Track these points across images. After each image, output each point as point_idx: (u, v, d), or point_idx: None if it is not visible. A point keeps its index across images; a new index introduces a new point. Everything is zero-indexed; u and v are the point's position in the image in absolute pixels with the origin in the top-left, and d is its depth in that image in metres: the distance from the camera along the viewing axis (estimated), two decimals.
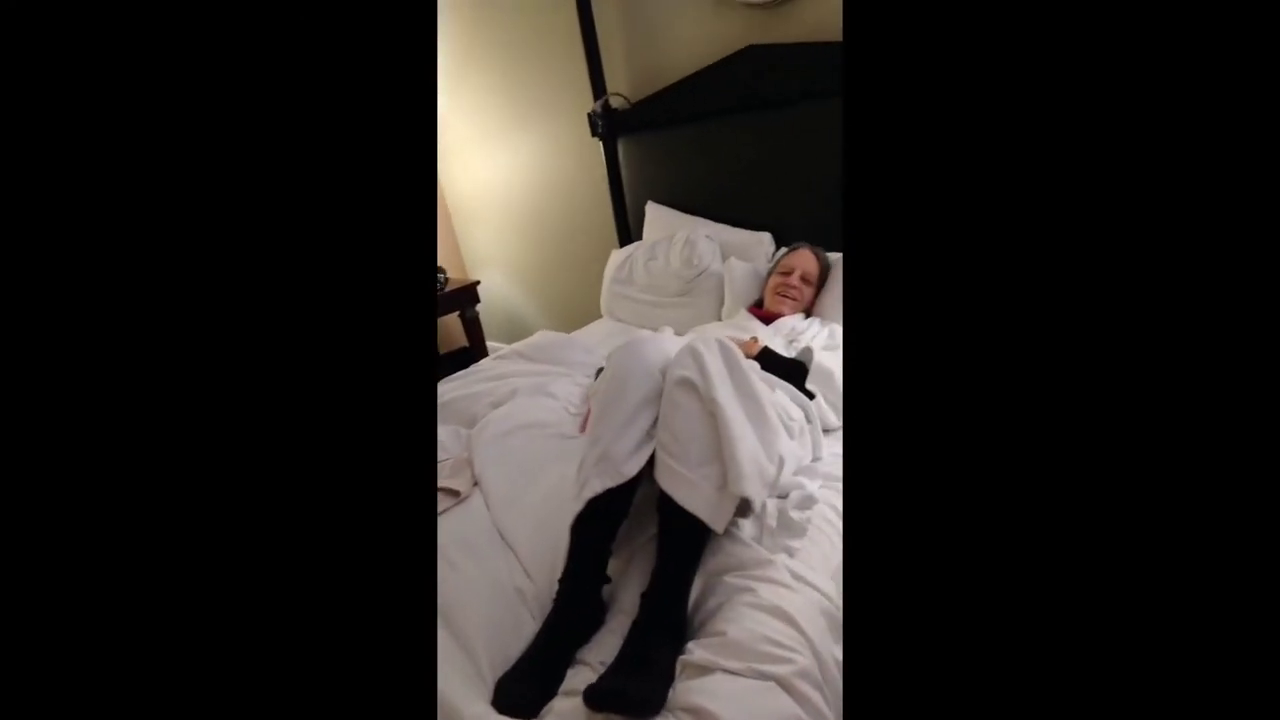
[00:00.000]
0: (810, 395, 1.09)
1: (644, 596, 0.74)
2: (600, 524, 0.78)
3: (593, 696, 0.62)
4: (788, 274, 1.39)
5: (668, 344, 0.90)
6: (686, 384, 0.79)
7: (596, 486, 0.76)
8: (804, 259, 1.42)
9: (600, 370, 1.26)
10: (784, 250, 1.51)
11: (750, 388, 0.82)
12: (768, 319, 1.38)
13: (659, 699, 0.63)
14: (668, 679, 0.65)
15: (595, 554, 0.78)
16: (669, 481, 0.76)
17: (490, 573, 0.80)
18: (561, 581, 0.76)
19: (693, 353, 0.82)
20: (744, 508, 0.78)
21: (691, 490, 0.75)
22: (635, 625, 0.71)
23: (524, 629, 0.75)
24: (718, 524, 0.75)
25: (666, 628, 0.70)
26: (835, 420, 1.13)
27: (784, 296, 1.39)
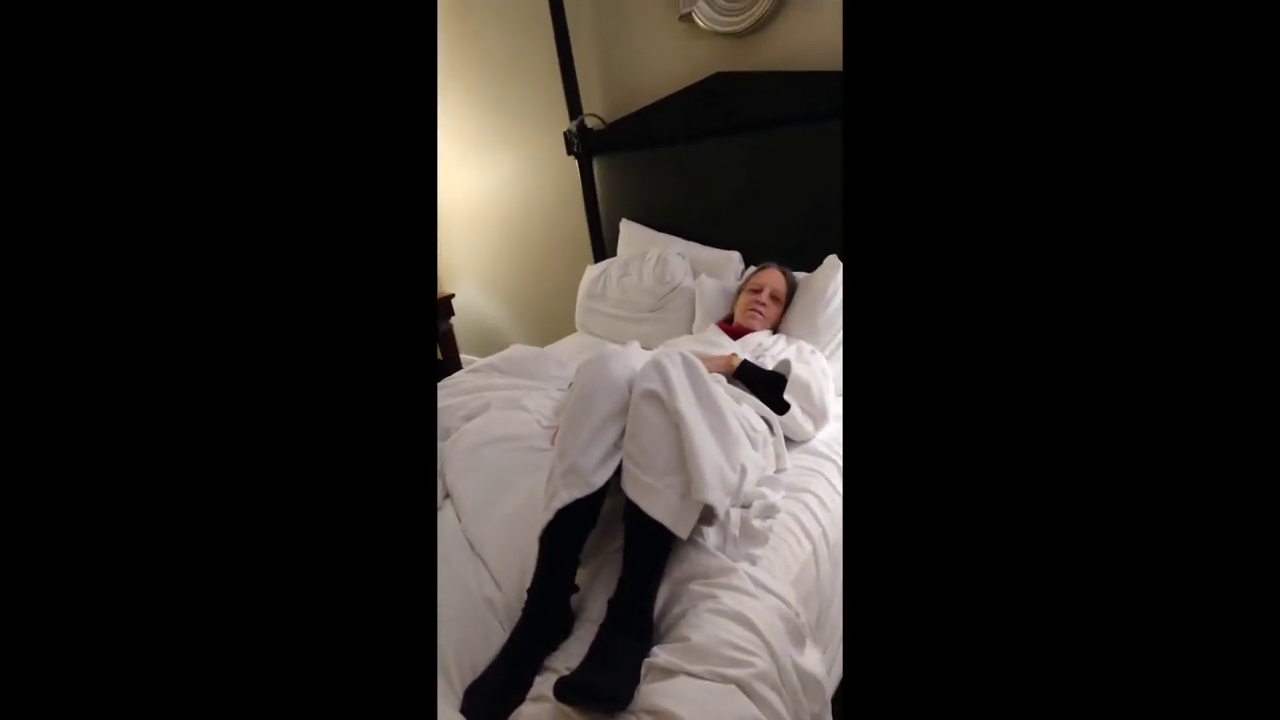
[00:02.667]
0: (786, 406, 1.14)
1: (611, 603, 0.76)
2: (568, 534, 0.80)
3: (562, 690, 0.64)
4: (757, 291, 1.45)
5: (634, 358, 0.93)
6: (651, 396, 0.82)
7: (565, 497, 0.78)
8: (773, 277, 1.48)
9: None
10: (753, 269, 1.57)
11: (712, 399, 0.86)
12: (736, 334, 1.43)
13: (626, 695, 0.65)
14: (634, 677, 0.68)
15: (563, 564, 0.80)
16: (635, 490, 0.79)
17: (460, 583, 0.81)
18: (530, 591, 0.78)
19: (657, 366, 0.85)
20: (707, 515, 0.81)
21: (656, 499, 0.77)
22: (603, 627, 0.74)
23: (493, 638, 0.77)
24: (682, 530, 0.78)
25: (633, 629, 0.73)
26: (811, 430, 1.17)
27: (754, 312, 1.44)
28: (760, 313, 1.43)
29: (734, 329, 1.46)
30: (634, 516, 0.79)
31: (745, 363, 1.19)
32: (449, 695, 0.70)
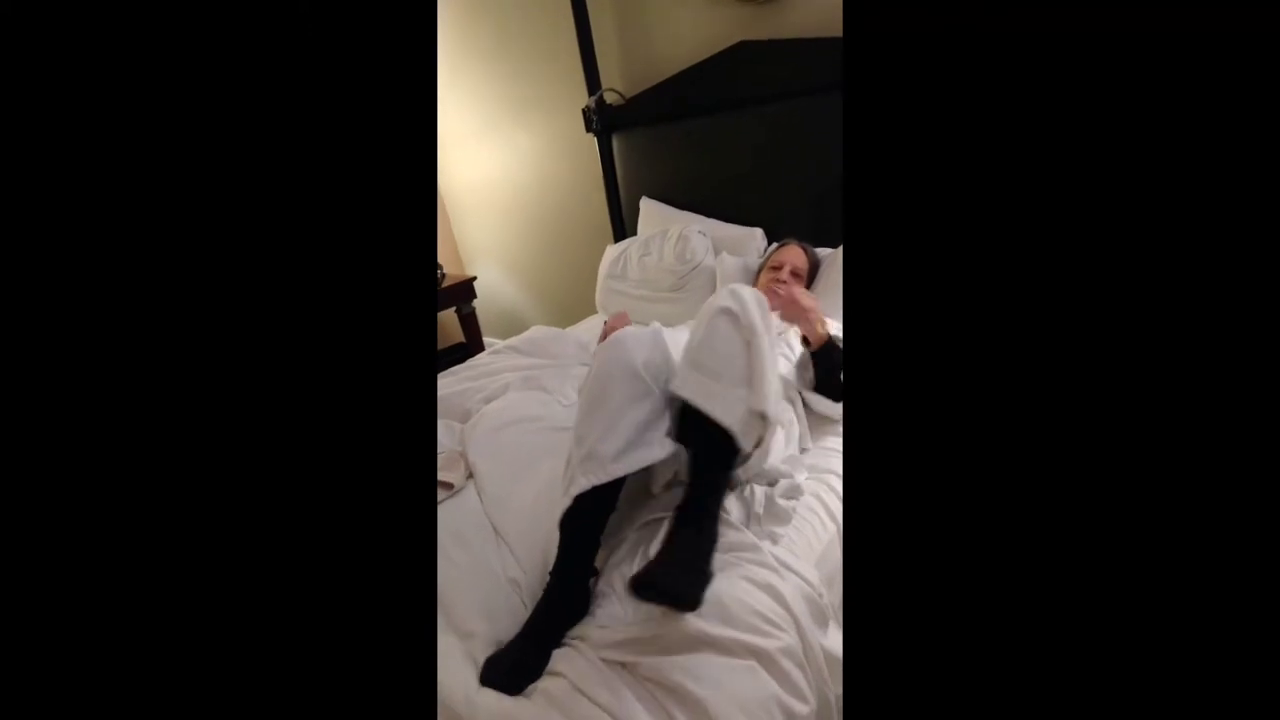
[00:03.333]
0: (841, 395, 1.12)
1: (679, 508, 0.79)
2: (587, 519, 0.80)
3: (637, 587, 0.68)
4: (778, 268, 1.42)
5: (648, 338, 0.92)
6: (728, 313, 0.84)
7: (583, 484, 0.78)
8: (794, 254, 1.44)
9: None
10: (774, 246, 1.53)
11: (773, 335, 0.89)
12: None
13: (697, 594, 0.69)
14: (704, 578, 0.71)
15: (583, 548, 0.80)
16: (706, 399, 0.80)
17: (484, 564, 0.82)
18: (551, 574, 0.78)
19: (733, 293, 0.87)
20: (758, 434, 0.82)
21: (728, 407, 0.79)
22: (673, 529, 0.77)
23: (518, 616, 0.77)
24: (747, 441, 0.80)
25: (702, 531, 0.77)
26: (836, 412, 1.15)
27: (775, 290, 1.40)
28: (781, 290, 1.40)
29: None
30: (699, 426, 0.80)
31: (832, 339, 1.09)
32: (473, 670, 0.71)
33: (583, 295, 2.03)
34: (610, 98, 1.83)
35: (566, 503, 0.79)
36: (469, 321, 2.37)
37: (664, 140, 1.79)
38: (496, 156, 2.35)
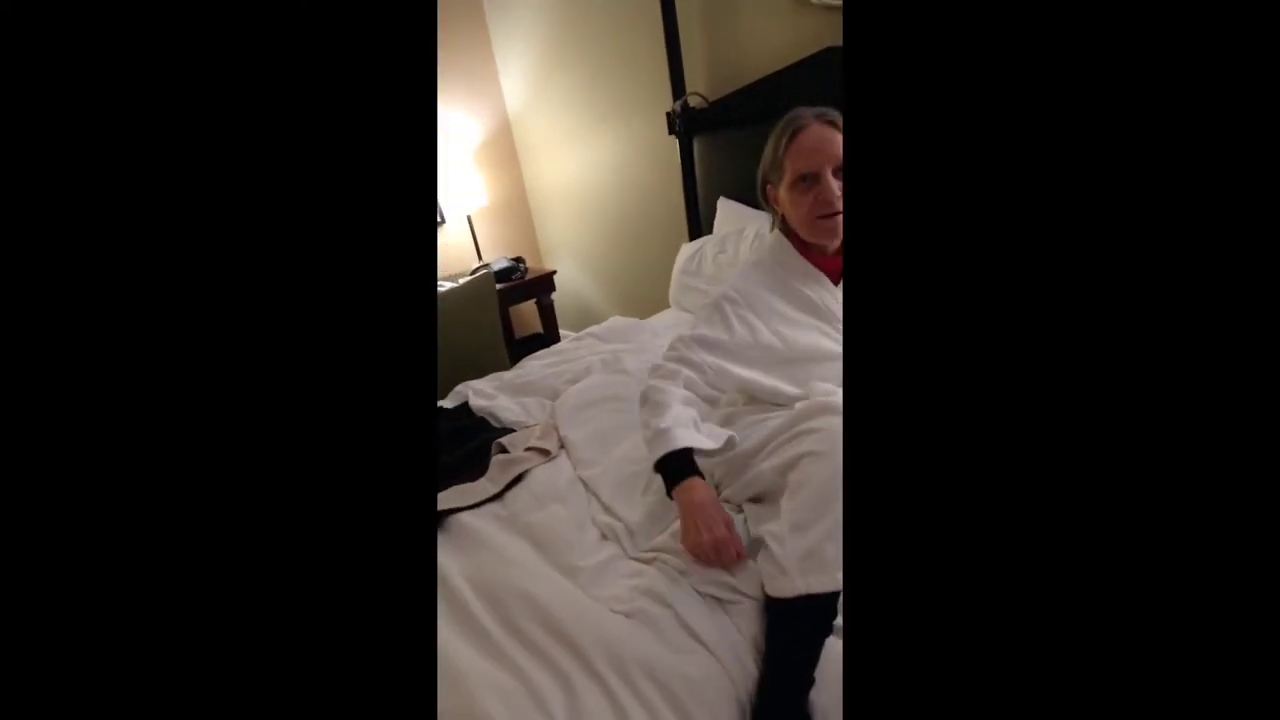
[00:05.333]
0: None
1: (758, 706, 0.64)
2: (805, 626, 0.68)
3: None
4: (815, 177, 0.86)
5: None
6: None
7: (811, 586, 0.68)
8: (825, 139, 0.86)
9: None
10: (783, 131, 0.91)
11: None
12: (833, 267, 0.95)
13: None
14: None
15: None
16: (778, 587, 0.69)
17: (578, 514, 0.93)
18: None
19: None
20: None
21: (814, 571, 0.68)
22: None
23: (612, 551, 0.85)
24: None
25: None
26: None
27: (831, 217, 0.87)
28: (839, 210, 0.87)
29: (829, 263, 0.95)
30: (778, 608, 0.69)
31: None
32: (579, 594, 0.78)
33: (656, 291, 2.11)
34: (694, 101, 1.91)
35: (793, 597, 0.67)
36: (547, 313, 2.52)
37: (745, 142, 1.85)
38: (579, 158, 2.47)
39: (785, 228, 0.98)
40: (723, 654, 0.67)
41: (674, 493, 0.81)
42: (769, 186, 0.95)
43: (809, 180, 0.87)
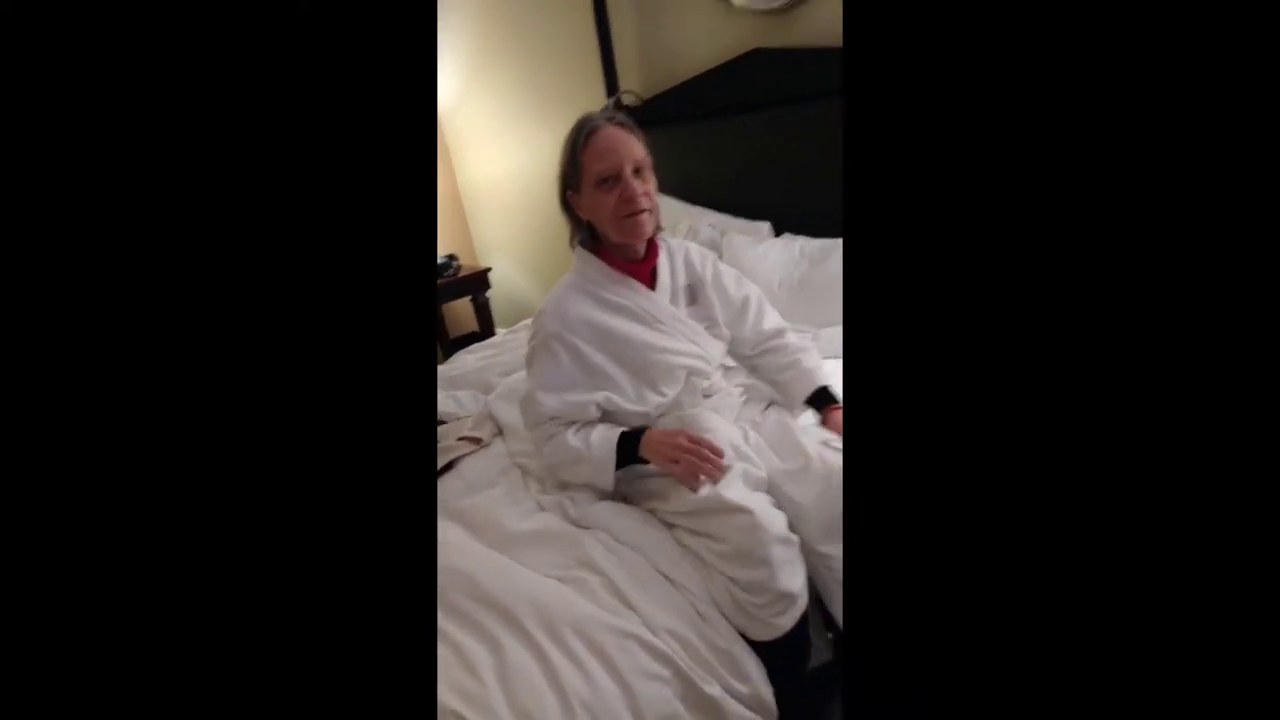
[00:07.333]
0: None
1: None
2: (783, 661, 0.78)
3: None
4: (614, 180, 0.87)
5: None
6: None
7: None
8: (620, 139, 0.88)
9: None
10: (577, 135, 0.91)
11: None
12: (644, 271, 0.94)
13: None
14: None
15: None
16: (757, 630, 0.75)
17: (511, 493, 0.92)
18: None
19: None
20: None
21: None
22: None
23: (546, 520, 0.86)
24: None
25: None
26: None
27: (635, 215, 0.87)
28: (646, 207, 0.88)
29: (631, 267, 0.94)
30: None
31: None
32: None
33: None
34: (627, 99, 1.94)
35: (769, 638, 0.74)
36: (483, 311, 2.46)
37: (678, 141, 1.89)
38: (514, 153, 2.45)
39: (588, 240, 0.96)
40: (655, 622, 0.68)
41: (642, 455, 0.85)
42: (570, 193, 0.93)
43: (611, 181, 0.87)
